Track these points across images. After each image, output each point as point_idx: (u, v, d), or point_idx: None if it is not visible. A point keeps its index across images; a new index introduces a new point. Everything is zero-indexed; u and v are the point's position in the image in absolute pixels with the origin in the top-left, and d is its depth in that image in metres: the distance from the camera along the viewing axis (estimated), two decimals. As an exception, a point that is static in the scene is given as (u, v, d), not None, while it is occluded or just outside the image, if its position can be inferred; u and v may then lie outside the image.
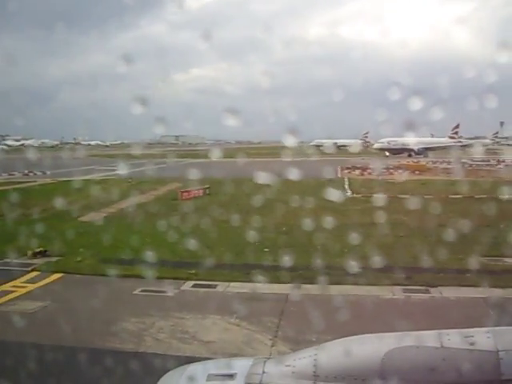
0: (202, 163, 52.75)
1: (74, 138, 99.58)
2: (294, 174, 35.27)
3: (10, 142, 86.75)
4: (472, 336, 3.32)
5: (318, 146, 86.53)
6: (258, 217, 18.90)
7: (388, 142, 64.95)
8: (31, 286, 12.72)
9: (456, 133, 71.07)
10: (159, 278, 13.11)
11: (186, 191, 26.89)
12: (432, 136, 76.39)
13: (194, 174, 37.54)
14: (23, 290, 12.37)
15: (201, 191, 27.85)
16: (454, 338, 3.33)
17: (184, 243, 16.65)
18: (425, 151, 65.35)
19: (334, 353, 3.58)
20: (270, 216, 21.34)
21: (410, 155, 65.40)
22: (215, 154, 59.08)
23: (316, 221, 21.35)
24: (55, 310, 11.03)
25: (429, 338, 3.41)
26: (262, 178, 29.71)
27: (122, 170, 46.92)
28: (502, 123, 77.43)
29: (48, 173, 42.30)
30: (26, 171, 42.08)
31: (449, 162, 51.95)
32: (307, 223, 21.37)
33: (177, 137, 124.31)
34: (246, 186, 30.34)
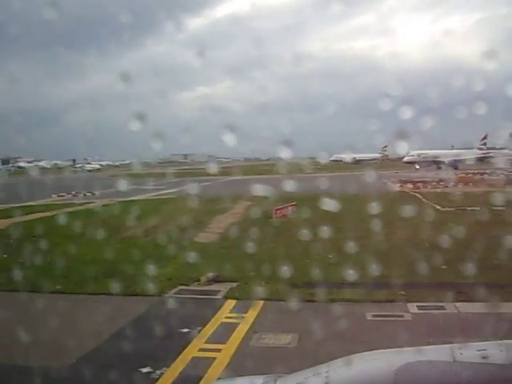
0: (241, 180, 51.75)
1: (85, 159, 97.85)
2: (351, 189, 34.68)
3: (22, 164, 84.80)
4: (485, 349, 3.19)
5: (336, 160, 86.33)
6: (377, 234, 17.91)
7: (418, 155, 64.78)
8: (249, 316, 11.57)
9: (484, 144, 71.36)
10: (367, 300, 12.31)
11: (279, 209, 25.80)
12: (452, 148, 76.68)
13: (249, 191, 36.77)
14: (247, 321, 11.21)
15: (289, 208, 26.78)
16: (466, 352, 3.21)
17: (342, 262, 15.55)
18: (455, 163, 65.25)
19: (346, 369, 3.43)
20: (389, 232, 20.14)
21: (439, 168, 65.25)
22: (244, 171, 58.34)
23: (446, 234, 20.51)
24: (315, 343, 9.90)
25: (441, 353, 3.29)
26: (329, 193, 28.88)
27: (170, 188, 45.81)
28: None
29: (97, 193, 40.86)
30: (73, 192, 40.54)
31: (490, 174, 51.75)
32: (441, 237, 20.44)
33: (185, 155, 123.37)
34: (323, 202, 29.31)
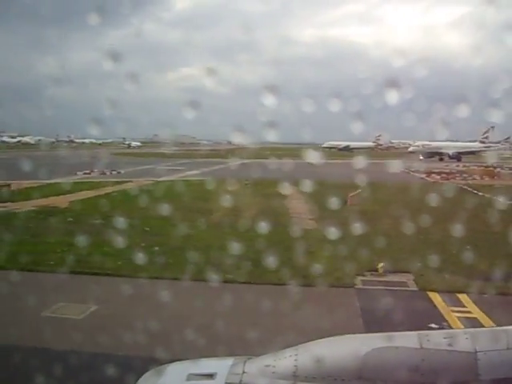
0: (252, 164, 50.16)
1: (68, 136, 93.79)
2: (383, 178, 34.26)
3: (5, 139, 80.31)
4: (451, 337, 3.37)
5: (329, 147, 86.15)
6: (465, 224, 17.24)
7: (422, 146, 65.39)
8: (475, 312, 10.79)
9: (486, 137, 72.66)
10: None
11: (353, 196, 25.04)
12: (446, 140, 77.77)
13: (277, 176, 35.54)
14: (483, 317, 10.45)
15: (356, 196, 26.02)
16: (433, 339, 3.36)
17: (483, 252, 14.73)
18: (458, 155, 66.22)
19: (314, 353, 3.51)
20: (486, 225, 19.19)
21: (441, 159, 66.03)
22: (242, 155, 56.79)
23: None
24: None
25: (408, 339, 3.44)
26: (368, 182, 28.37)
27: (191, 170, 44.11)
28: (492, 127, 79.30)
29: (122, 172, 38.83)
30: (96, 170, 38.39)
31: (502, 167, 52.57)
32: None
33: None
34: (379, 191, 28.94)
